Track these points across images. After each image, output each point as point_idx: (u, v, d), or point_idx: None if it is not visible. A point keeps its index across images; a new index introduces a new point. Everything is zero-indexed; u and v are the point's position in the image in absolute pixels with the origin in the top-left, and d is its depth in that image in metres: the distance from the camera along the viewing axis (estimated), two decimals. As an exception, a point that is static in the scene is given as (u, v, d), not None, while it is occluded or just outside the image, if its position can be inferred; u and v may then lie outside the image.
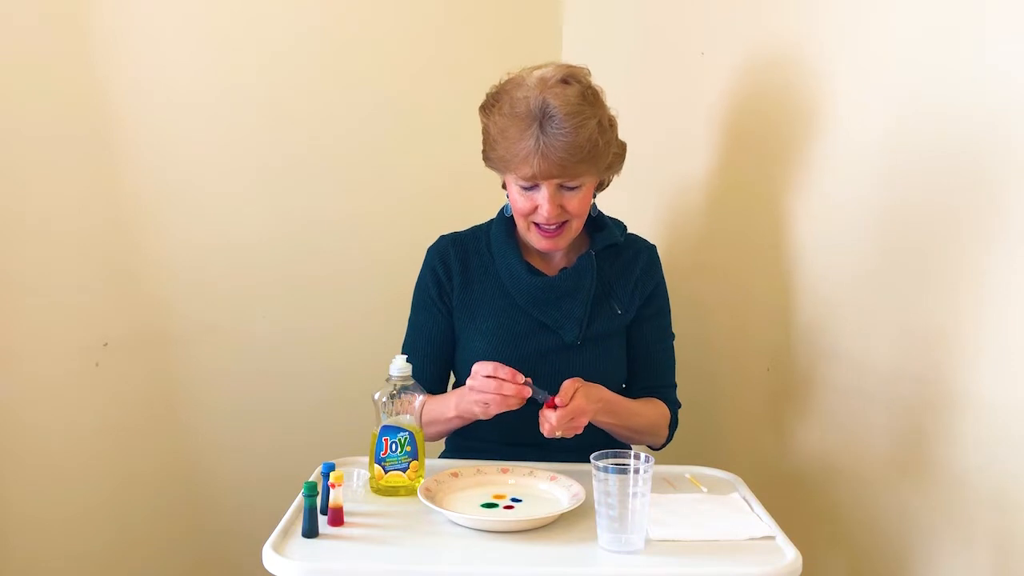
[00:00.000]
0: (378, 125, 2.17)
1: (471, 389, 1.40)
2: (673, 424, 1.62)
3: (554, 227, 1.51)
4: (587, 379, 1.46)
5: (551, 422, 1.38)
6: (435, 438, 1.57)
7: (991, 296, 1.24)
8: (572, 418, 1.38)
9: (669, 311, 1.66)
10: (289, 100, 2.10)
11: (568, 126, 1.42)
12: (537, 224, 1.51)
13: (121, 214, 1.98)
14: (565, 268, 1.58)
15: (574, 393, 1.40)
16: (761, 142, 1.70)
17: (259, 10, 2.06)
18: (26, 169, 1.86)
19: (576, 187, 1.48)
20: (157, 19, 1.97)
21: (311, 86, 2.11)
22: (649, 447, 1.64)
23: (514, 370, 1.38)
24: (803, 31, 1.60)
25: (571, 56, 2.22)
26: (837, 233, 1.54)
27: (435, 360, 1.61)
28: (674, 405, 1.63)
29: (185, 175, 2.03)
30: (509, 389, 1.37)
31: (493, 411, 1.40)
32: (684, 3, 1.95)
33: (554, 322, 1.55)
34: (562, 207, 1.48)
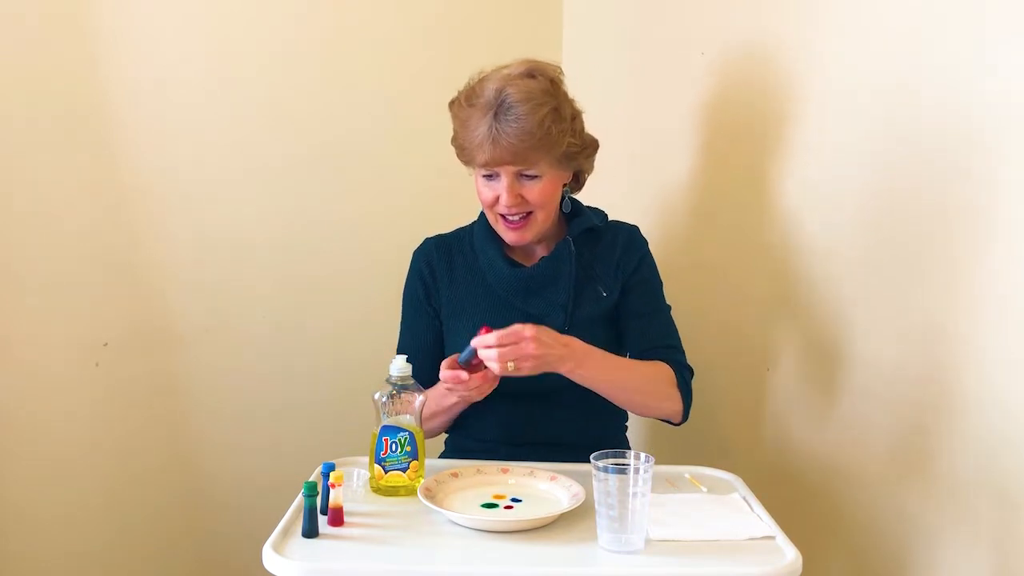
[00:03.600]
0: (378, 125, 2.17)
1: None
2: (684, 389, 1.53)
3: (518, 218, 1.52)
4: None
5: (488, 342, 1.35)
6: (440, 429, 1.59)
7: (991, 295, 1.24)
8: (515, 341, 1.34)
9: (659, 283, 1.64)
10: (289, 100, 2.10)
11: (519, 111, 1.44)
12: (503, 216, 1.53)
13: (121, 213, 1.98)
14: (544, 257, 1.59)
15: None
16: (761, 140, 1.70)
17: (259, 9, 2.06)
18: (26, 168, 1.86)
19: (535, 176, 1.49)
20: (157, 19, 1.97)
21: (311, 86, 2.11)
22: (669, 422, 1.55)
23: (457, 372, 1.40)
24: (801, 30, 1.60)
25: (571, 56, 2.22)
26: (837, 232, 1.54)
27: (427, 359, 1.59)
28: (681, 368, 1.55)
29: (185, 175, 2.03)
30: (447, 377, 1.40)
31: (460, 398, 1.45)
32: (684, 3, 1.95)
33: (539, 311, 1.55)
34: (522, 197, 1.50)
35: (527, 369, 1.36)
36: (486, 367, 1.39)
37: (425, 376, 1.55)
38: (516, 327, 1.36)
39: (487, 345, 1.35)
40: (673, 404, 1.52)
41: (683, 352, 1.59)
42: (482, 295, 1.59)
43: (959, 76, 1.28)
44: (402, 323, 1.66)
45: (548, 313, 1.55)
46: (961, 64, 1.27)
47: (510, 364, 1.34)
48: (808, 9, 1.58)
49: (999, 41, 1.21)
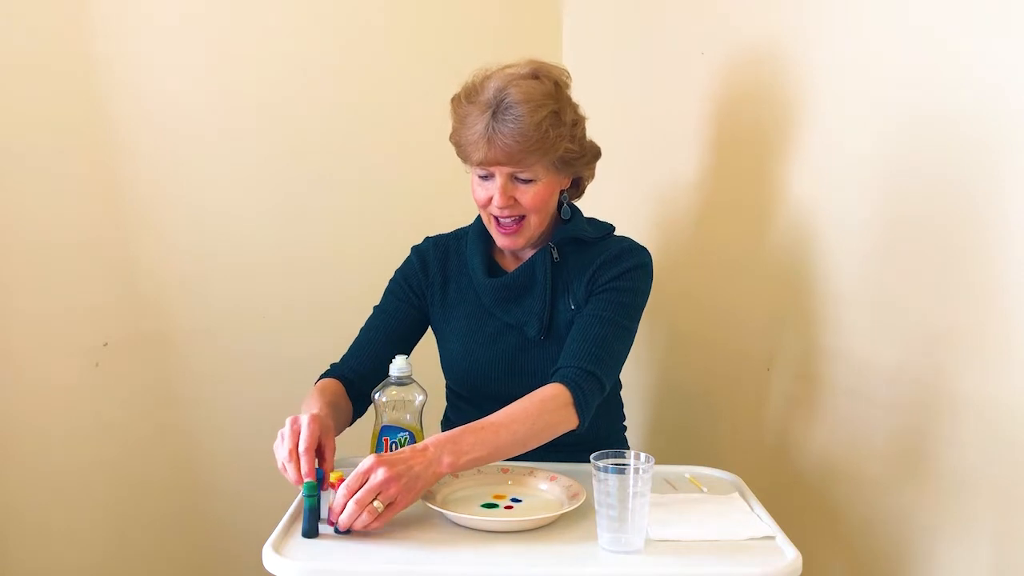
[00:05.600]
0: (377, 127, 2.17)
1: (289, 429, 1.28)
2: (581, 403, 1.38)
3: (510, 221, 1.50)
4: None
5: (339, 502, 1.19)
6: None
7: (991, 296, 1.24)
8: (363, 480, 1.19)
9: (629, 301, 1.51)
10: (288, 103, 2.10)
11: (518, 113, 1.42)
12: (496, 218, 1.51)
13: (121, 215, 1.98)
14: (521, 265, 1.57)
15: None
16: (762, 140, 1.70)
17: (258, 12, 2.06)
18: (26, 170, 1.86)
19: (529, 180, 1.47)
20: (157, 20, 1.98)
21: (310, 89, 2.11)
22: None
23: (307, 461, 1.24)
24: (805, 30, 1.60)
25: (571, 56, 2.22)
26: (838, 233, 1.54)
27: (383, 340, 1.58)
28: (579, 378, 1.40)
29: (185, 176, 2.03)
30: (285, 462, 1.26)
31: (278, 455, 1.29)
32: (684, 3, 1.95)
33: (517, 320, 1.54)
34: (515, 199, 1.48)
35: (399, 497, 1.20)
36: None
37: (368, 354, 1.56)
38: (357, 469, 1.21)
39: (340, 504, 1.19)
40: (568, 424, 1.38)
41: (600, 361, 1.43)
42: (470, 300, 1.58)
43: (969, 80, 1.27)
44: (376, 306, 1.64)
45: (525, 322, 1.54)
46: (971, 67, 1.27)
47: (376, 503, 1.18)
48: (812, 8, 1.58)
49: (1011, 44, 1.21)
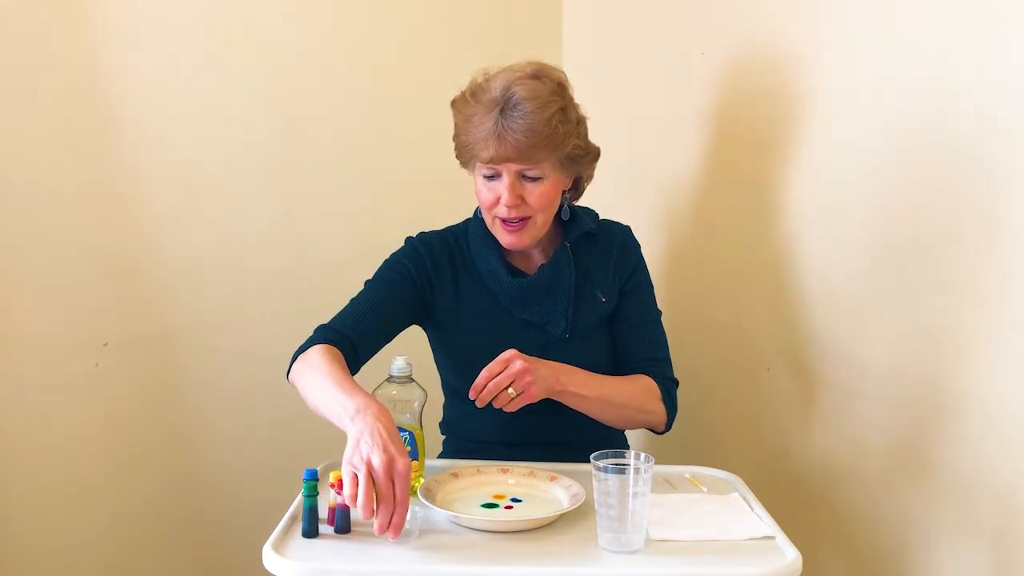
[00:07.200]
0: (378, 125, 2.17)
1: (372, 443, 1.17)
2: (668, 401, 1.54)
3: (516, 221, 1.50)
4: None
5: (479, 384, 1.35)
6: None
7: (991, 295, 1.24)
8: (503, 367, 1.35)
9: (651, 287, 1.64)
10: (289, 99, 2.10)
11: (527, 108, 1.43)
12: (501, 219, 1.51)
13: (121, 214, 1.98)
14: (543, 265, 1.57)
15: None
16: (761, 140, 1.70)
17: (258, 6, 2.06)
18: (26, 169, 1.86)
19: (537, 178, 1.48)
20: (156, 17, 1.98)
21: (311, 86, 2.11)
22: (652, 431, 1.57)
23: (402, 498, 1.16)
24: (805, 32, 1.60)
25: (571, 56, 2.22)
26: (837, 232, 1.54)
27: (371, 320, 1.51)
28: (665, 380, 1.56)
29: (185, 175, 2.03)
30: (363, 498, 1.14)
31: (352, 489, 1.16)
32: (684, 3, 1.95)
33: (539, 319, 1.54)
34: (522, 199, 1.48)
35: (530, 388, 1.36)
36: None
37: (374, 318, 1.51)
38: (499, 357, 1.37)
39: (480, 385, 1.36)
40: (657, 417, 1.53)
41: (670, 363, 1.59)
42: (480, 299, 1.57)
43: (968, 80, 1.27)
44: (369, 280, 1.58)
45: (549, 320, 1.54)
46: (965, 67, 1.27)
47: (510, 390, 1.35)
48: (812, 10, 1.58)
49: (1006, 48, 1.21)
